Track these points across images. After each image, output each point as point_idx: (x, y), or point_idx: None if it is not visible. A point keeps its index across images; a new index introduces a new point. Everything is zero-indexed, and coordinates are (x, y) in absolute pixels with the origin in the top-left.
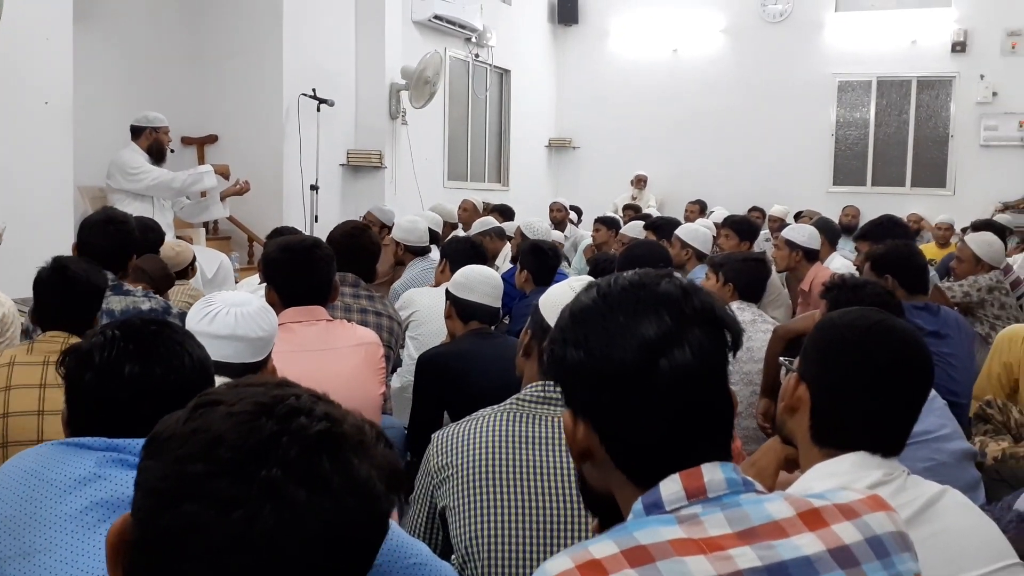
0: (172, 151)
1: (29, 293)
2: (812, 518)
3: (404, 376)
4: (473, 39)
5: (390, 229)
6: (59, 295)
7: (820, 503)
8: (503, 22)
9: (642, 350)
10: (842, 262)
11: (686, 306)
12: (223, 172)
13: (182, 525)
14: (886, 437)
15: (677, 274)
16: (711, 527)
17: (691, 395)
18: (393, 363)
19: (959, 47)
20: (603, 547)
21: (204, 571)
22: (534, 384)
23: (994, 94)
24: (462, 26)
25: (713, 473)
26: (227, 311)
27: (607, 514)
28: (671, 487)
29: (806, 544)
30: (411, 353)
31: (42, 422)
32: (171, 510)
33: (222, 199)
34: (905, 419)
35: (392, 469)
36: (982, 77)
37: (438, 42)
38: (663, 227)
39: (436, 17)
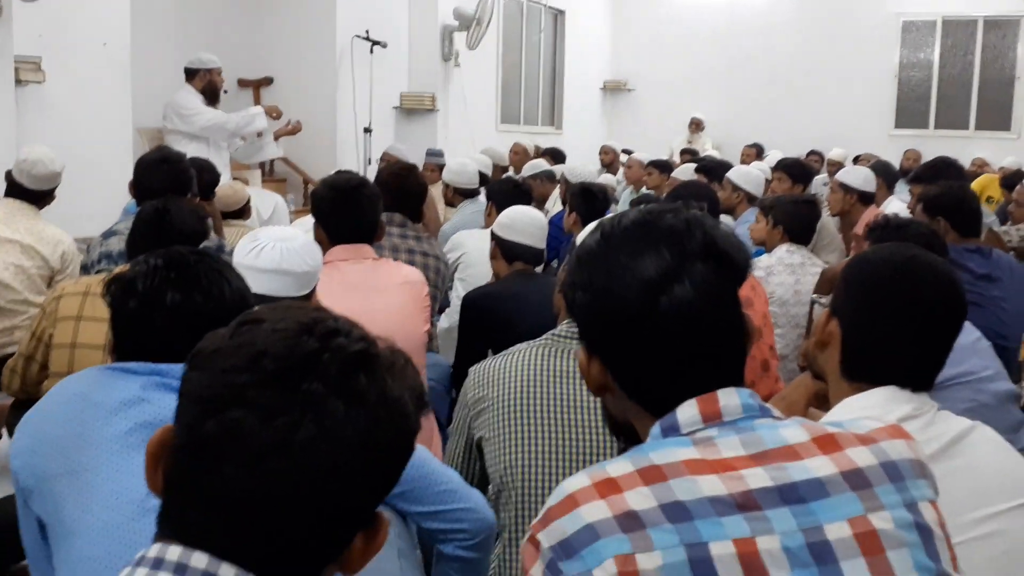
0: (226, 92)
1: (89, 232)
2: (827, 442)
3: (452, 316)
4: None
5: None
6: (154, 238)
7: (836, 430)
8: None
9: (642, 289)
10: (899, 205)
11: (688, 241)
12: (274, 113)
13: (227, 430)
14: (916, 372)
15: (700, 206)
16: (725, 449)
17: (695, 328)
18: (440, 303)
19: None
20: (619, 466)
21: (244, 474)
22: (569, 320)
23: None
24: None
25: (729, 398)
26: (273, 246)
27: (632, 440)
28: (688, 411)
29: (818, 466)
30: (459, 294)
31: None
32: (216, 416)
33: (275, 139)
34: (936, 354)
35: (420, 392)
36: None
37: None
38: (714, 169)
39: None
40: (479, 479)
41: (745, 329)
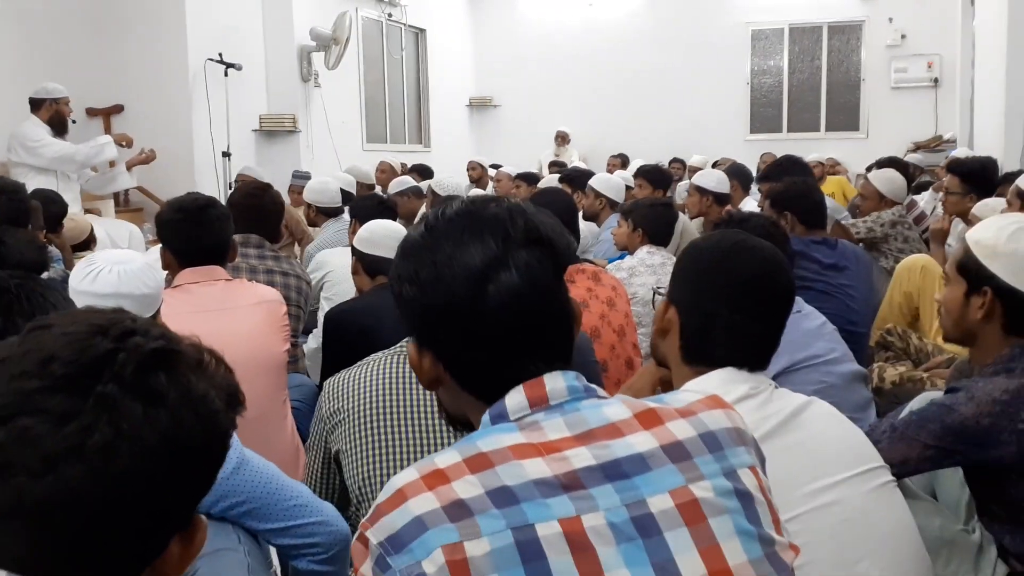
0: (74, 122)
1: None
2: (648, 418)
3: (319, 336)
4: None
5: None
6: None
7: (657, 405)
8: None
9: (469, 279)
10: (753, 205)
11: (512, 228)
12: (124, 141)
13: (16, 438)
14: (751, 352)
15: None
16: (550, 431)
17: (522, 314)
18: (306, 324)
19: None
20: (447, 457)
21: (39, 483)
22: None
23: (903, 37)
24: None
25: (555, 382)
26: (109, 269)
27: (470, 431)
28: (515, 397)
29: (640, 442)
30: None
31: None
32: (5, 425)
33: (128, 168)
34: (767, 333)
35: (231, 389)
36: (891, 20)
37: (348, 2)
38: (577, 179)
39: None
40: (339, 494)
41: (571, 313)
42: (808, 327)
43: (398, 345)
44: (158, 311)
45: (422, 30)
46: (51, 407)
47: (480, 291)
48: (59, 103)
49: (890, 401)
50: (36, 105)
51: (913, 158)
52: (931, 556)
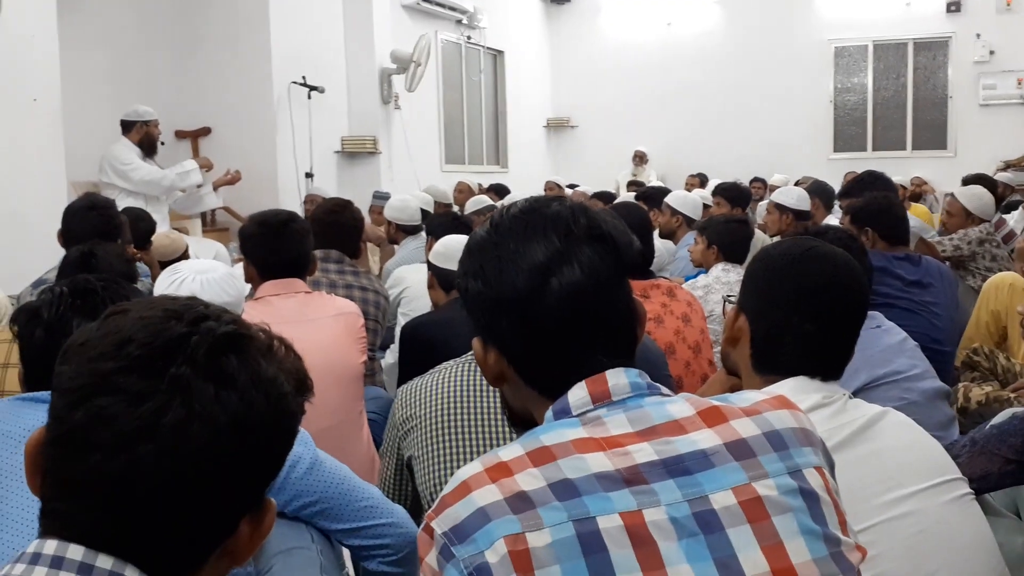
0: (163, 144)
1: (24, 288)
2: (712, 415)
3: (396, 351)
4: (464, 20)
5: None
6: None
7: (722, 403)
8: (494, 3)
9: (533, 273)
10: (835, 224)
11: (574, 225)
12: (206, 166)
13: (93, 417)
14: (824, 361)
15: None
16: (613, 427)
17: (584, 309)
18: (383, 339)
19: (954, 7)
20: (511, 450)
21: (113, 460)
22: None
23: (991, 53)
24: (453, 8)
25: (618, 378)
26: (192, 278)
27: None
28: (578, 393)
29: (703, 439)
30: None
31: None
32: (83, 405)
33: (215, 189)
34: (840, 341)
35: (300, 374)
36: (978, 36)
37: (428, 25)
38: (653, 196)
39: (426, 0)
40: (412, 500)
41: (635, 311)
42: (889, 343)
43: (468, 354)
44: None
45: (500, 52)
46: (127, 387)
47: (543, 285)
48: (149, 125)
49: (975, 422)
50: (127, 127)
51: (1003, 177)
52: (1012, 574)
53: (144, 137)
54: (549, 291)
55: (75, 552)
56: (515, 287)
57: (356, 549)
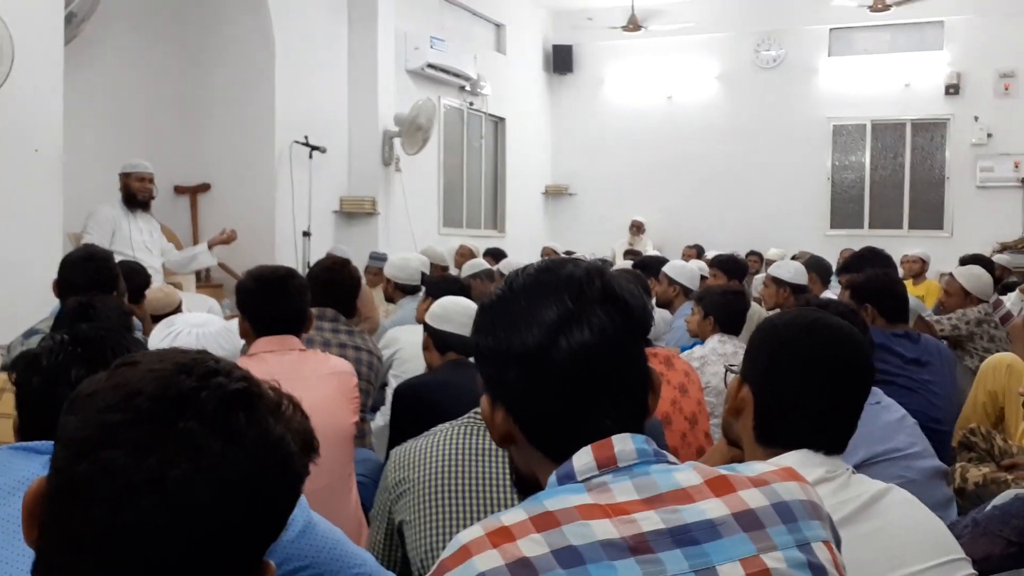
0: (152, 198)
1: (15, 337)
2: (720, 484)
3: (387, 414)
4: (467, 87)
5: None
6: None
7: (730, 472)
8: (498, 71)
9: (543, 330)
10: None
11: (588, 287)
12: (226, 241)
13: (99, 469)
14: (828, 434)
15: (590, 259)
16: (619, 494)
17: (592, 371)
18: (374, 401)
19: (952, 89)
20: (513, 515)
21: (116, 513)
22: None
23: (989, 135)
24: (456, 74)
25: (624, 444)
26: (188, 331)
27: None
28: (583, 458)
29: (711, 508)
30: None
31: None
32: (88, 457)
33: (209, 247)
34: (845, 415)
35: (307, 434)
36: (976, 119)
37: (432, 90)
38: (650, 265)
39: (430, 66)
40: (401, 566)
41: (647, 377)
42: (888, 419)
43: (466, 416)
44: None
45: (501, 119)
46: (134, 440)
47: (552, 343)
48: (129, 178)
49: (972, 503)
50: (120, 180)
51: (1000, 259)
52: None
53: (124, 190)
54: (558, 349)
55: None
56: (524, 343)
57: None
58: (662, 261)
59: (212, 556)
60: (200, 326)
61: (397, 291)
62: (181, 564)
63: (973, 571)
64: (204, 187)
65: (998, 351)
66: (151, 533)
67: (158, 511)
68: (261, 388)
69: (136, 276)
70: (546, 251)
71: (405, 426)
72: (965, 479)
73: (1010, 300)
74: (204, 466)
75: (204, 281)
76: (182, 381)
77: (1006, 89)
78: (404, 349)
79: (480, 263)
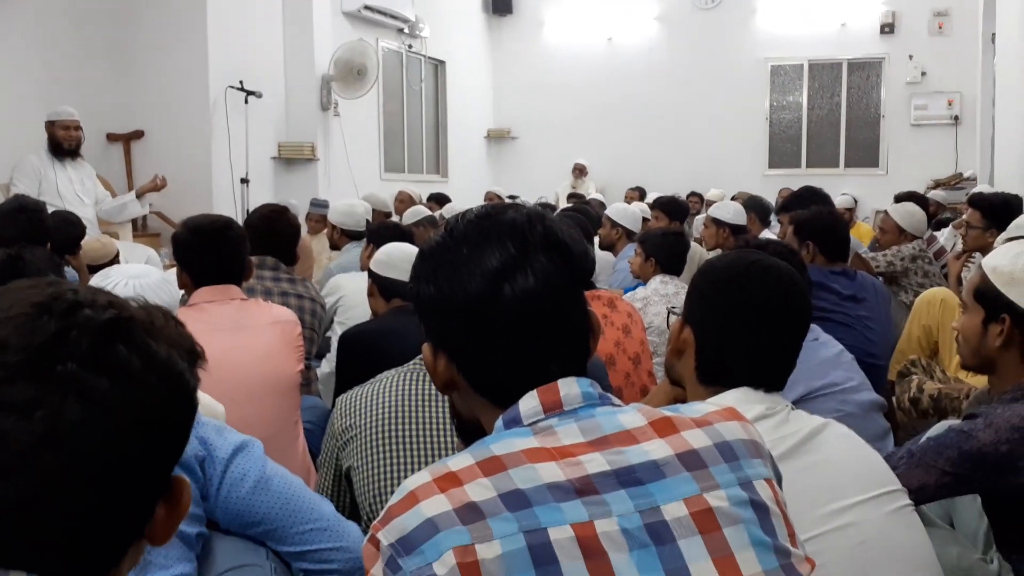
0: (79, 145)
1: None
2: (663, 426)
3: (332, 361)
4: (406, 30)
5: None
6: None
7: (673, 414)
8: (436, 13)
9: (486, 279)
10: (772, 238)
11: (530, 233)
12: (154, 188)
13: None
14: (768, 372)
15: (530, 202)
16: (564, 437)
17: (537, 317)
18: (319, 347)
19: (888, 28)
20: (460, 460)
21: (16, 479)
22: None
23: (923, 74)
24: (394, 16)
25: (569, 388)
26: (126, 283)
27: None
28: (529, 402)
29: (655, 449)
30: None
31: None
32: None
33: (139, 196)
34: (786, 353)
35: (190, 345)
36: (911, 58)
37: (369, 33)
38: (587, 213)
39: (367, 7)
40: (350, 511)
41: (588, 322)
42: (825, 355)
43: (411, 363)
44: None
45: (442, 62)
46: (12, 399)
47: (496, 291)
48: (54, 126)
49: (911, 432)
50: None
51: (935, 195)
52: None
53: (49, 139)
54: (502, 297)
55: None
56: (468, 292)
57: (306, 572)
58: (603, 206)
59: (122, 493)
60: (138, 277)
61: (343, 237)
62: (93, 509)
63: (909, 501)
64: (137, 134)
65: (932, 286)
66: (56, 491)
67: (59, 467)
68: (131, 309)
69: (70, 227)
70: (489, 196)
71: (351, 373)
72: (921, 390)
73: (943, 236)
74: (96, 407)
75: (141, 230)
76: (46, 324)
77: (940, 28)
78: (347, 296)
79: (422, 210)
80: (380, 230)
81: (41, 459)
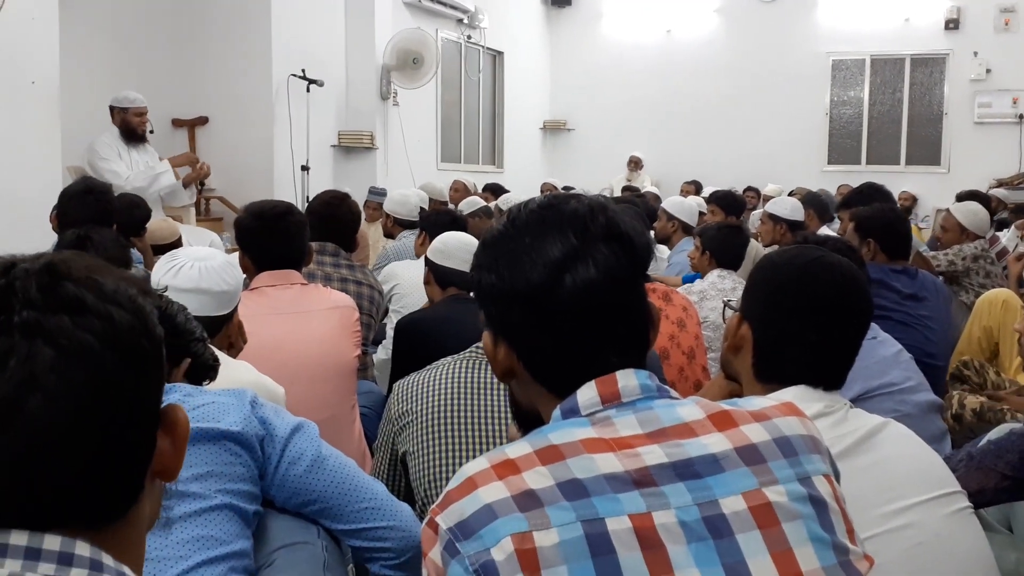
0: (151, 132)
1: None
2: (722, 419)
3: (388, 347)
4: (465, 20)
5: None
6: None
7: (731, 407)
8: (495, 4)
9: (547, 269)
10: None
11: (592, 224)
12: (189, 162)
13: None
14: (826, 370)
15: (593, 193)
16: (622, 428)
17: (597, 309)
18: (376, 334)
19: (952, 24)
20: (518, 448)
21: (11, 430)
22: None
23: (988, 71)
24: (454, 7)
25: (628, 379)
26: (191, 265)
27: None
28: (587, 393)
29: (714, 443)
30: (394, 325)
31: None
32: None
33: (184, 185)
34: (843, 352)
35: (136, 279)
36: (976, 54)
37: (429, 23)
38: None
39: None
40: (405, 495)
41: (648, 313)
42: (884, 354)
43: (468, 350)
44: (235, 309)
45: (500, 52)
46: None
47: (557, 281)
48: (128, 112)
49: (966, 436)
50: (111, 113)
51: (997, 194)
52: None
53: (121, 124)
54: (563, 287)
55: (18, 538)
56: (529, 281)
57: (357, 550)
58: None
59: (117, 425)
60: (203, 260)
61: (397, 226)
62: (94, 448)
63: (968, 504)
64: (202, 120)
65: (994, 287)
66: (51, 434)
67: (44, 410)
68: (63, 255)
69: (136, 209)
70: (545, 187)
71: (407, 360)
72: (963, 405)
73: (1006, 235)
74: (64, 345)
75: (204, 215)
76: None
77: (1006, 24)
78: (402, 284)
79: (477, 201)
80: (433, 217)
81: (27, 405)
